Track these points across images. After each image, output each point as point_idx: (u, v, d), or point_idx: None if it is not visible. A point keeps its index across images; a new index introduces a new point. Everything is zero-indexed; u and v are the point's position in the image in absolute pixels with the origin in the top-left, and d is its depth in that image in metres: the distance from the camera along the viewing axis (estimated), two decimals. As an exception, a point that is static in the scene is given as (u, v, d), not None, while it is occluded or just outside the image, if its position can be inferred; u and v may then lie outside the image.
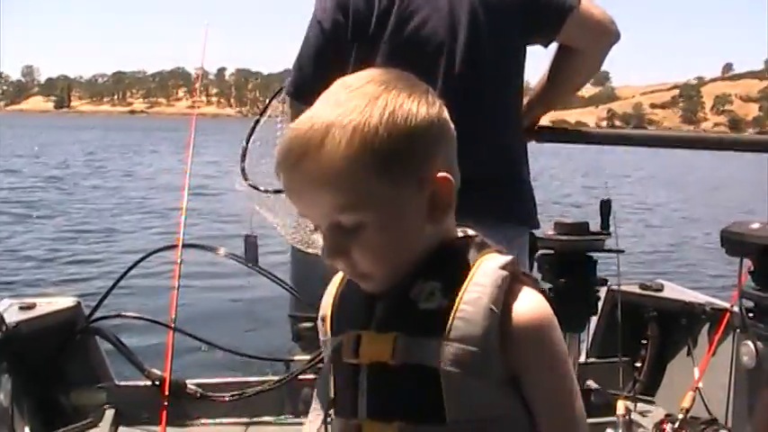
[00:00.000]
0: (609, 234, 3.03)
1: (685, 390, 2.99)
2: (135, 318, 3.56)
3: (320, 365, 1.64)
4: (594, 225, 3.06)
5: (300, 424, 2.40)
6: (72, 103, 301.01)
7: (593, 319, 3.45)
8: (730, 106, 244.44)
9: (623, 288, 3.34)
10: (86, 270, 9.67)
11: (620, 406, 2.93)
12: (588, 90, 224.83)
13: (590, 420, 3.17)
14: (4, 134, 61.77)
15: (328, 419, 1.13)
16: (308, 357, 3.32)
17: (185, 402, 3.22)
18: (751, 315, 2.73)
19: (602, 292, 3.38)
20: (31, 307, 3.22)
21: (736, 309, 2.95)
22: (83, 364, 3.30)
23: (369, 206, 1.00)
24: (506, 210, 2.13)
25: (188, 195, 3.71)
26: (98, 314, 3.35)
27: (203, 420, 3.26)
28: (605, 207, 3.04)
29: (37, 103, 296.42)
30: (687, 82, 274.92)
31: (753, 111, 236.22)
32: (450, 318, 0.99)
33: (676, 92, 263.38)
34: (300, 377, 3.24)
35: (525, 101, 2.38)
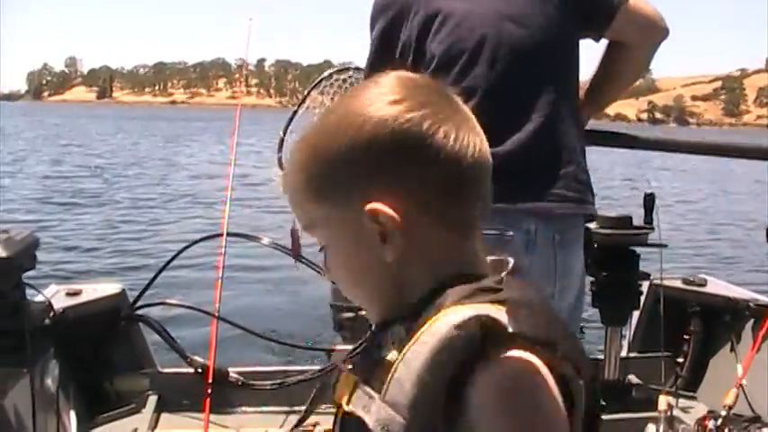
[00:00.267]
0: (652, 228, 3.01)
1: (728, 386, 2.93)
2: (178, 305, 3.61)
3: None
4: (637, 218, 3.05)
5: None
6: (113, 94, 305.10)
7: (636, 314, 3.44)
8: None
9: (666, 283, 3.30)
10: (130, 260, 9.75)
11: (662, 401, 2.90)
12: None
13: (631, 415, 3.17)
14: (49, 124, 62.84)
15: None
16: (349, 347, 3.34)
17: (227, 390, 3.25)
18: (796, 311, 2.69)
19: (645, 286, 3.36)
20: (77, 293, 3.26)
21: (781, 305, 2.91)
22: (127, 351, 3.35)
23: (318, 227, 0.97)
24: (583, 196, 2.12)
25: (232, 185, 3.72)
26: (142, 302, 3.39)
27: (244, 408, 3.30)
28: (649, 201, 3.01)
29: (79, 93, 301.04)
30: (729, 74, 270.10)
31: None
32: (389, 376, 0.83)
33: (718, 84, 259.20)
34: (341, 367, 3.25)
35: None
